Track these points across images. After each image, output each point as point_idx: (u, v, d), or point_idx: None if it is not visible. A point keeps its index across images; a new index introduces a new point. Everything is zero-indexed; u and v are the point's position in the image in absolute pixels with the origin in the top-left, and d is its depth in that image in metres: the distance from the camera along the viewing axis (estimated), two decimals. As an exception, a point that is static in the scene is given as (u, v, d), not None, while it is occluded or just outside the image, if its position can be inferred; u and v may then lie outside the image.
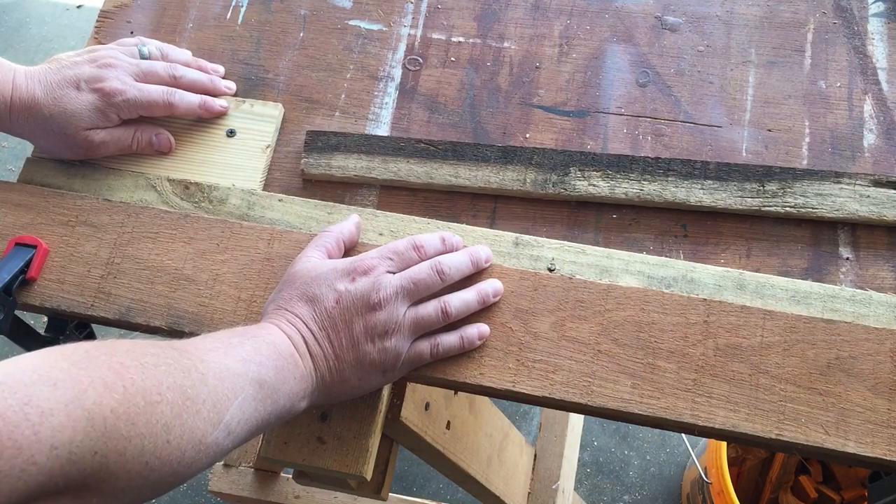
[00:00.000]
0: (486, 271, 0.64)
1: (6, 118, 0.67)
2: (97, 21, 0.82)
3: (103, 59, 0.69)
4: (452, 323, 0.61)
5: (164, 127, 0.74)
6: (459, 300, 0.60)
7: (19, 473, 0.38)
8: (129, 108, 0.69)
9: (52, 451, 0.39)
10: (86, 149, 0.69)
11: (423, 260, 0.61)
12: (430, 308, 0.59)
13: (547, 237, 0.68)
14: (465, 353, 0.61)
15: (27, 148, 1.01)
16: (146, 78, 0.71)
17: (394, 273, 0.59)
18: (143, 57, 0.73)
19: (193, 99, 0.72)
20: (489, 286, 0.62)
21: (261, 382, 0.52)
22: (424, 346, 0.60)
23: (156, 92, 0.70)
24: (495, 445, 1.04)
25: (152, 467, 0.45)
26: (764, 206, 0.68)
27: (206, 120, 0.74)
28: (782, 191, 0.68)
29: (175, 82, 0.72)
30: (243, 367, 0.52)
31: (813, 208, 0.67)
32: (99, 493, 0.43)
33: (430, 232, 0.66)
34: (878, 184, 0.68)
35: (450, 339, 0.60)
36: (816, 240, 0.68)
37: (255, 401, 0.52)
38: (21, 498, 0.38)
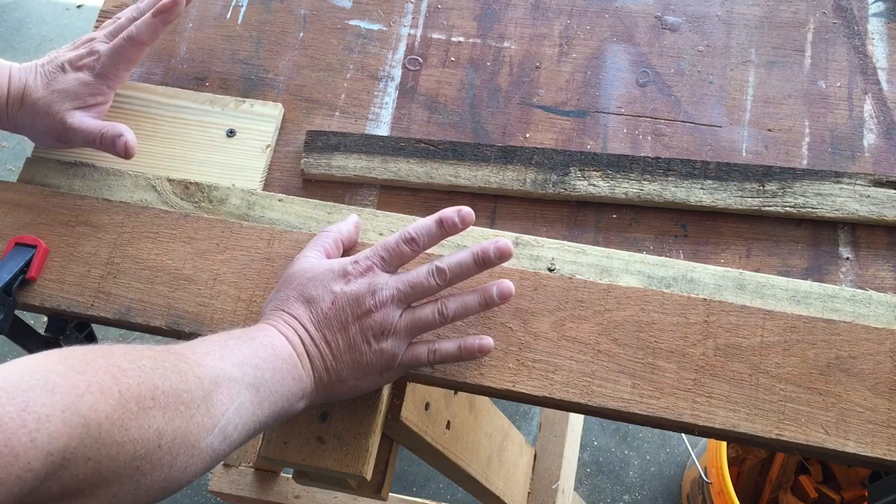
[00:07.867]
0: (496, 272, 0.63)
1: (3, 111, 0.69)
2: (97, 21, 0.82)
3: (80, 41, 0.72)
4: (458, 327, 0.61)
5: (162, 123, 0.74)
6: (458, 302, 0.59)
7: (15, 480, 0.38)
8: (109, 63, 0.70)
9: (48, 458, 0.39)
10: (61, 132, 0.69)
11: (415, 253, 0.60)
12: (426, 310, 0.59)
13: (547, 237, 0.68)
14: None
15: (27, 148, 1.02)
16: (116, 33, 0.71)
17: (389, 271, 0.59)
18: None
19: (148, 16, 0.70)
20: (494, 288, 0.59)
21: (258, 385, 0.52)
22: (422, 350, 0.59)
23: (121, 35, 0.71)
24: (495, 445, 1.04)
25: (143, 471, 0.45)
26: (764, 206, 0.68)
27: (206, 120, 0.74)
28: (782, 191, 0.68)
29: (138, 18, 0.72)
30: (240, 371, 0.52)
31: (813, 208, 0.67)
32: (93, 498, 0.43)
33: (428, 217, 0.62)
34: (878, 184, 0.68)
35: (448, 347, 0.59)
36: (816, 240, 0.68)
37: (252, 404, 0.52)
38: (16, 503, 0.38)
